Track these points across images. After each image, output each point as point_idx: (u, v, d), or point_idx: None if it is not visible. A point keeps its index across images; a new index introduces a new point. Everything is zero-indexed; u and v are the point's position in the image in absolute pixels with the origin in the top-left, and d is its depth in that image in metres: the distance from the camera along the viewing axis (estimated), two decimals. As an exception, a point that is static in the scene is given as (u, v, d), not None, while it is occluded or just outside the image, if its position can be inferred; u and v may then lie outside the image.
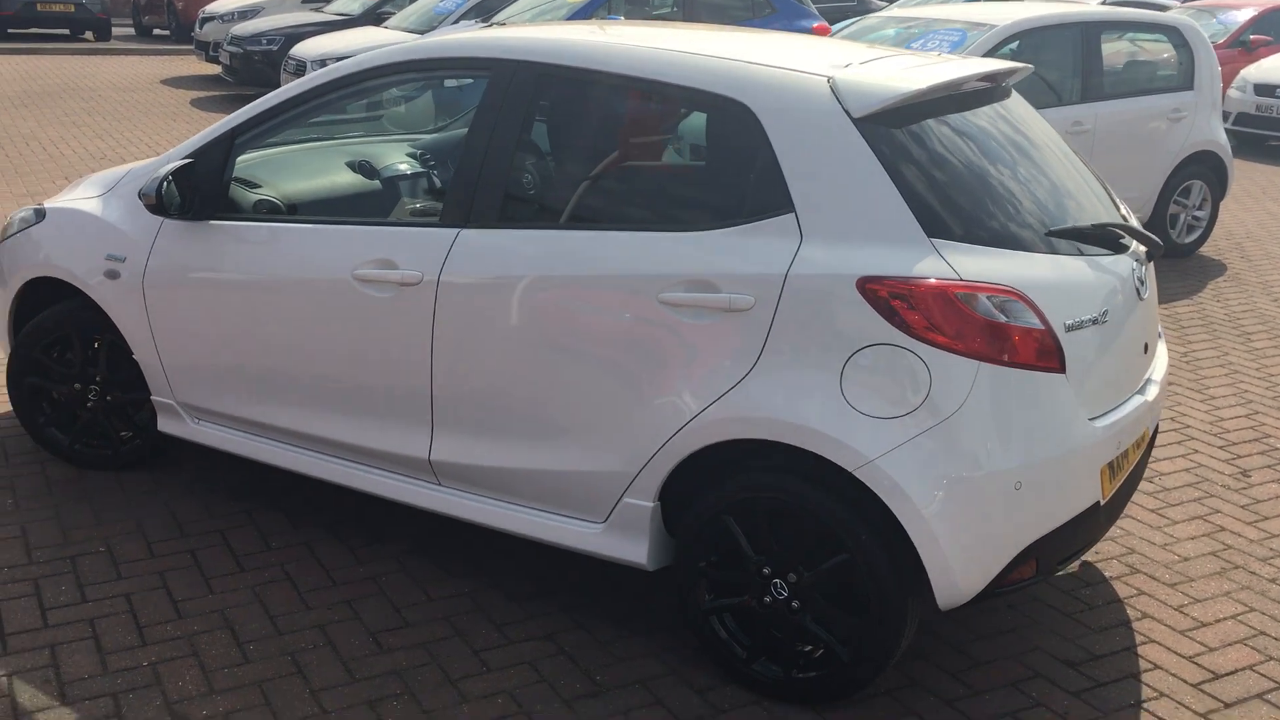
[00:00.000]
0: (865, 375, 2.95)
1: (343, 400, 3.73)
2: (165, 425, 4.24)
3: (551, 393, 3.36)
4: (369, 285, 3.58)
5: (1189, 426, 5.28)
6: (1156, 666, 3.42)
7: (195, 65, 17.84)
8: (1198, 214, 8.50)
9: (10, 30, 21.84)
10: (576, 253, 3.31)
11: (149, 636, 3.39)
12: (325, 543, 3.96)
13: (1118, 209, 3.66)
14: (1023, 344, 2.96)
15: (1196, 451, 5.00)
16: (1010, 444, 2.96)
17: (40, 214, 4.46)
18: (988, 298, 2.94)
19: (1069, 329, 3.07)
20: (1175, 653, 3.49)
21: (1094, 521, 3.21)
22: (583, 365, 3.29)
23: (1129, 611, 3.72)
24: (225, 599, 3.60)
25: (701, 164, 3.79)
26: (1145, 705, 3.24)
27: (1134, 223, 3.67)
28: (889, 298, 2.93)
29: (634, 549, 3.34)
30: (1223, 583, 3.92)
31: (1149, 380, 3.55)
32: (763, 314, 3.05)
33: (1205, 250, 8.68)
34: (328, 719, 3.06)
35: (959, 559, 2.93)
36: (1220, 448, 5.05)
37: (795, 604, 3.12)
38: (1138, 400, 3.40)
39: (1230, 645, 3.54)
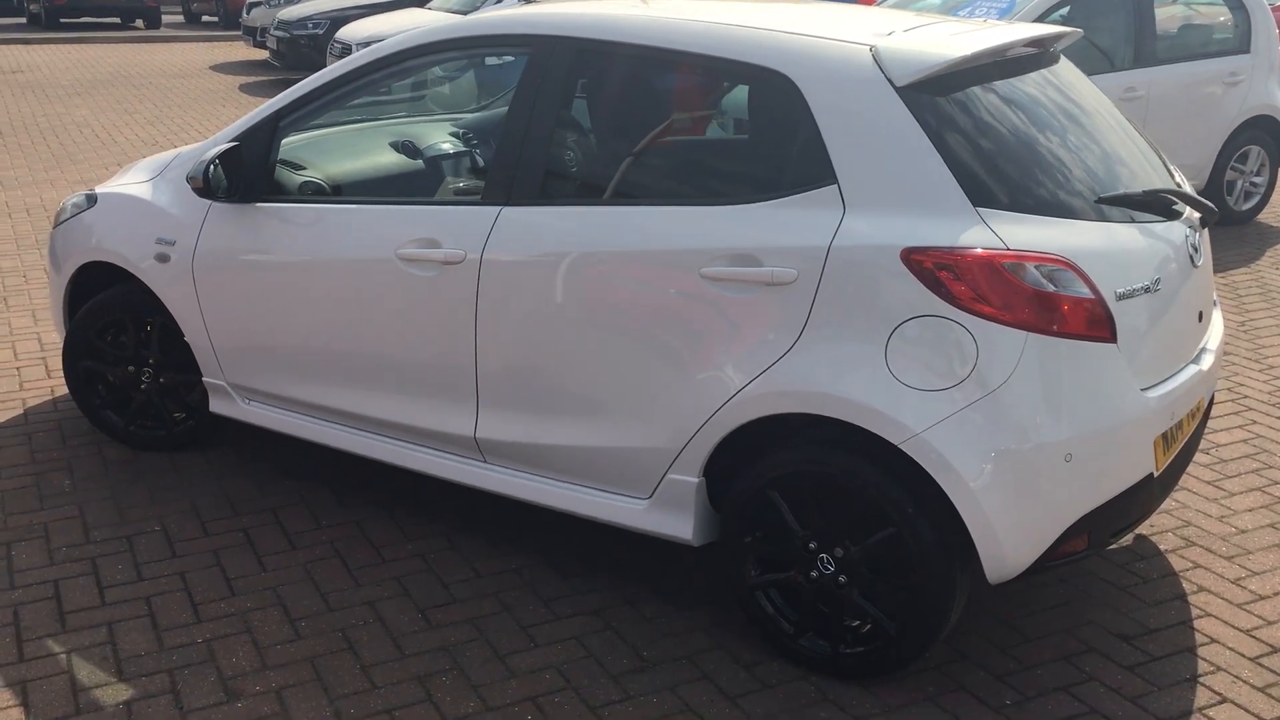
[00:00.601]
0: (911, 347, 2.91)
1: (389, 379, 3.76)
2: (217, 406, 4.29)
3: (594, 369, 3.35)
4: (413, 265, 3.59)
5: (1246, 396, 5.18)
6: (1213, 640, 3.37)
7: (243, 51, 18.01)
8: (1255, 180, 8.33)
9: (63, 20, 22.15)
10: (617, 228, 3.30)
11: (204, 614, 3.44)
12: (375, 520, 4.00)
13: (1171, 175, 3.58)
14: (1072, 314, 2.91)
15: (1254, 422, 4.91)
16: (1060, 416, 2.91)
17: (92, 199, 4.52)
18: (1036, 267, 2.89)
19: (1120, 298, 3.02)
20: (1232, 626, 3.43)
21: (1147, 494, 3.16)
22: (625, 341, 3.29)
23: (1184, 585, 3.66)
24: (277, 576, 3.64)
25: (743, 137, 3.76)
26: (1201, 679, 3.19)
27: (1188, 189, 3.59)
28: (934, 269, 2.89)
29: (679, 525, 3.34)
30: (1281, 555, 3.84)
31: (1204, 349, 3.48)
32: (806, 287, 3.02)
33: (1263, 217, 8.50)
34: (378, 694, 3.09)
35: (1008, 533, 2.90)
36: (1279, 417, 4.95)
37: (842, 579, 3.10)
38: (1192, 370, 3.34)
39: (1289, 618, 3.47)
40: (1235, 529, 4.01)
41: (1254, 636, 3.39)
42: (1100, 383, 2.98)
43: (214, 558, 3.75)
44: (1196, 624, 3.45)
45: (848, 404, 2.96)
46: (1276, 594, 3.61)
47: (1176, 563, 3.79)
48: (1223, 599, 3.58)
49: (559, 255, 3.37)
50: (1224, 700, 3.10)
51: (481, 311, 3.49)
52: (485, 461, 3.67)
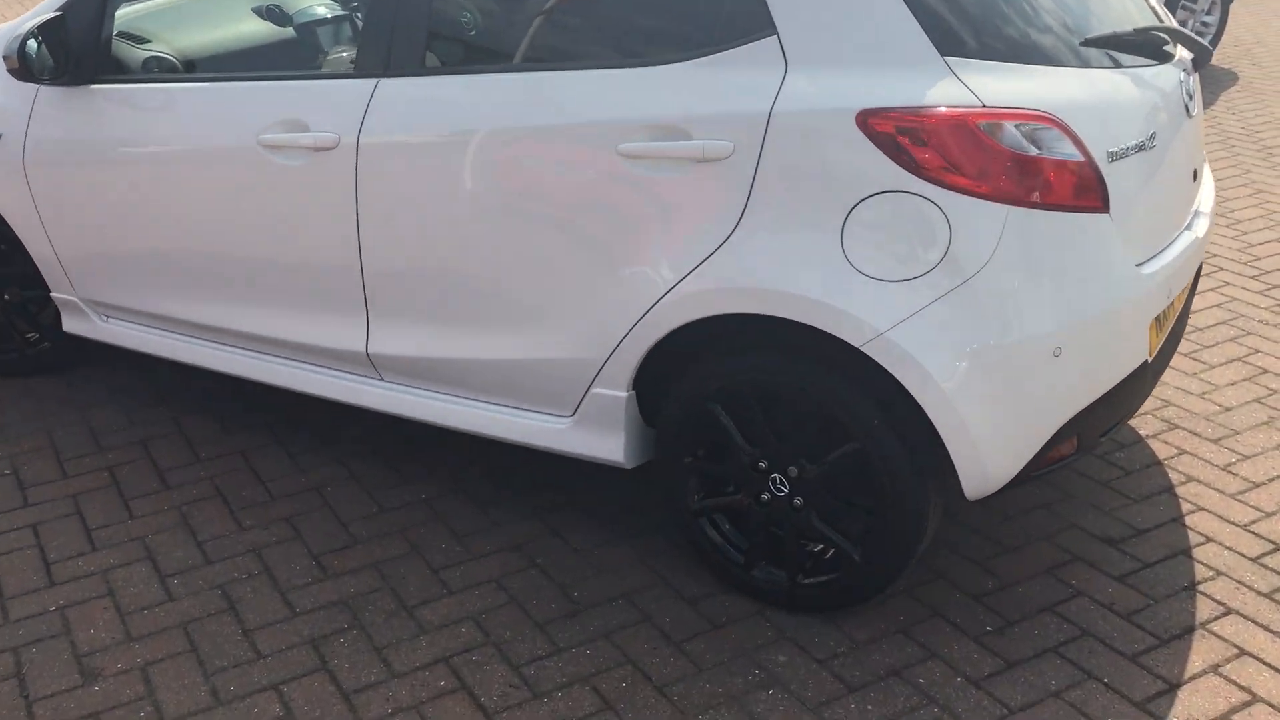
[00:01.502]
0: (871, 231, 2.44)
1: (265, 288, 3.22)
2: (71, 325, 3.73)
3: (498, 269, 2.84)
4: (278, 153, 3.02)
5: (1217, 256, 4.80)
6: (1209, 539, 3.01)
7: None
8: (1206, 19, 7.85)
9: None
10: (516, 100, 2.76)
11: (57, 575, 2.95)
12: (262, 450, 3.50)
13: (1154, 12, 3.09)
14: (1058, 180, 2.45)
15: (1227, 284, 4.53)
16: (1046, 303, 2.47)
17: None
18: (1015, 126, 2.41)
19: (1112, 158, 2.55)
20: (1229, 521, 3.08)
21: (1141, 384, 2.75)
22: (533, 235, 2.77)
23: (1172, 475, 3.30)
24: (147, 524, 3.15)
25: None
26: (1201, 588, 2.84)
27: (1174, 24, 3.10)
28: (895, 133, 2.40)
29: (608, 445, 2.88)
30: (1272, 434, 3.49)
31: (1197, 212, 3.05)
32: (744, 163, 2.52)
33: (1215, 59, 8.06)
34: (263, 665, 2.64)
35: (989, 442, 2.48)
36: (1253, 278, 4.58)
37: (797, 501, 2.68)
38: (1187, 238, 2.91)
39: (1289, 509, 3.13)
40: (1219, 406, 3.65)
41: (1252, 532, 3.04)
42: (1091, 261, 2.53)
43: (72, 504, 3.24)
44: (1189, 520, 3.10)
45: (798, 301, 2.49)
46: (1271, 479, 3.26)
47: (1160, 449, 3.43)
48: (1214, 489, 3.22)
49: (447, 134, 2.82)
50: (1228, 612, 2.75)
51: (363, 206, 2.95)
52: (382, 379, 3.18)
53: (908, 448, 2.53)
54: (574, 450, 2.94)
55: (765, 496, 2.72)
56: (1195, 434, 3.50)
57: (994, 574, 2.91)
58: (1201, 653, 2.62)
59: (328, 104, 2.97)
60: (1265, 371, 3.86)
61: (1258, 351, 4.00)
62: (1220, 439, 3.47)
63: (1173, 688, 2.52)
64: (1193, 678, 2.55)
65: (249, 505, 3.23)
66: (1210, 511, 3.13)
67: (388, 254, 2.97)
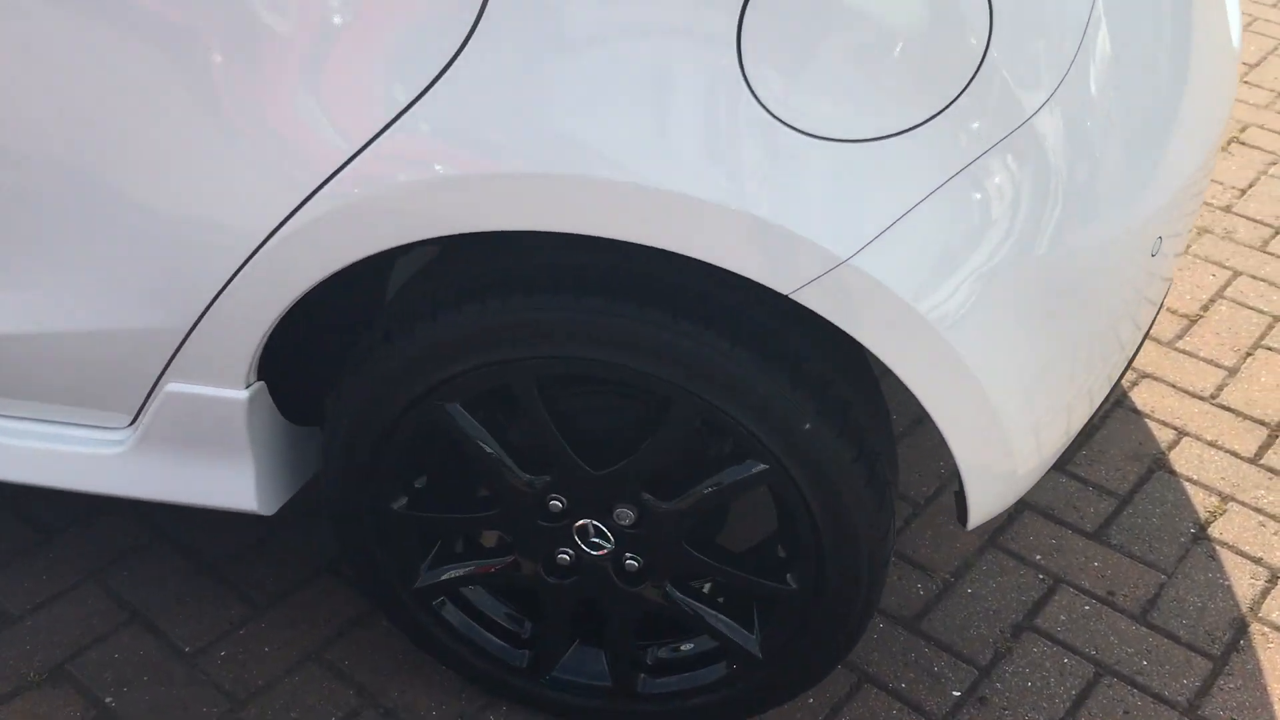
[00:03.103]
0: (807, 24, 1.04)
1: None
2: None
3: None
4: None
5: None
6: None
7: None
8: None
9: None
10: None
11: None
12: None
13: None
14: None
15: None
16: (1150, 158, 1.21)
17: None
18: None
19: None
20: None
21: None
22: (41, 117, 1.17)
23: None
24: None
25: None
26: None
27: None
28: None
29: (213, 479, 1.42)
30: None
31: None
32: None
33: None
34: None
35: (1026, 414, 1.24)
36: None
37: (631, 563, 1.36)
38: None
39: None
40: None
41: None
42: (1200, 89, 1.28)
43: None
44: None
45: (628, 198, 1.08)
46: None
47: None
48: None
49: None
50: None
51: None
52: None
53: (864, 460, 1.25)
54: (135, 491, 1.45)
55: (565, 558, 1.38)
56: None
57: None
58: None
59: None
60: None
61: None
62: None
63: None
64: None
65: None
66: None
67: None
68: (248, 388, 1.34)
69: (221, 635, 1.63)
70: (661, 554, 1.35)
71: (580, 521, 1.35)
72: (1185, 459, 1.94)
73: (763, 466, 1.24)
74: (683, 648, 1.45)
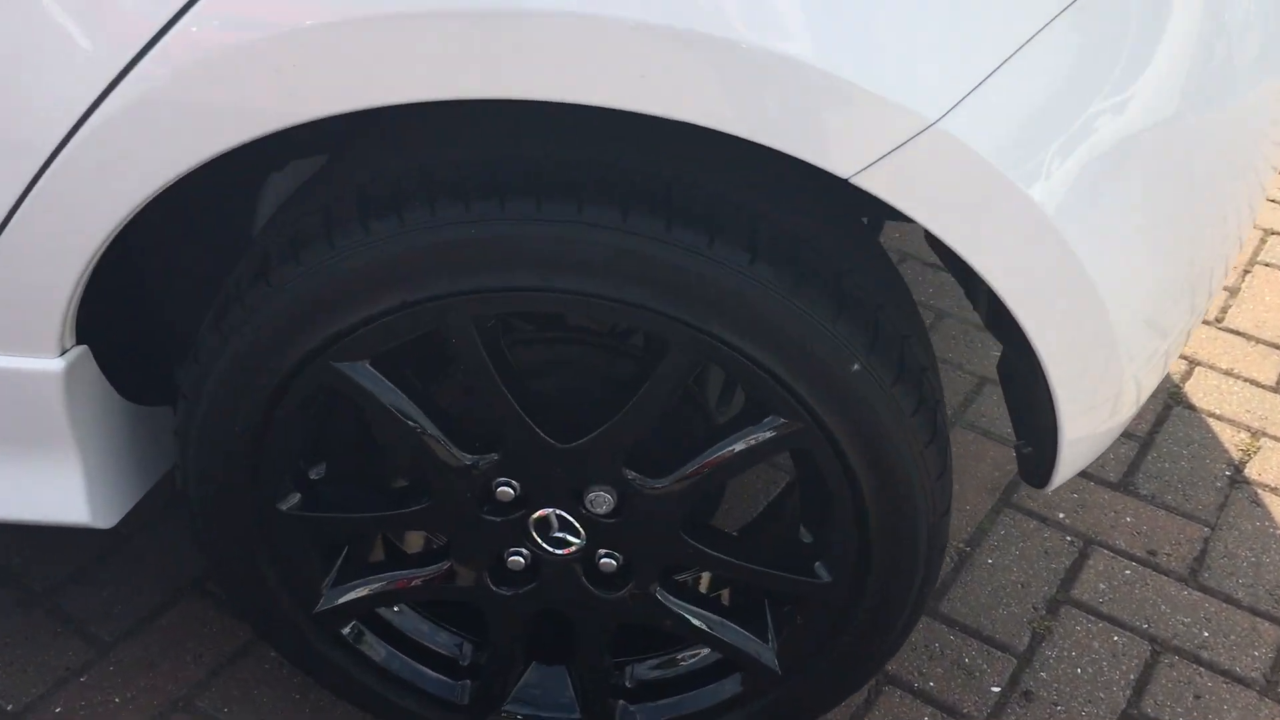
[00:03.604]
0: None
1: None
2: None
3: None
4: None
5: None
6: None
7: None
8: None
9: None
10: None
11: None
12: None
13: None
14: None
15: None
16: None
17: None
18: None
19: None
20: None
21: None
22: None
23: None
24: None
25: None
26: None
27: None
28: None
29: (19, 485, 1.05)
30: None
31: None
32: None
33: None
34: None
35: (1146, 344, 0.94)
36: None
37: (606, 562, 1.02)
38: None
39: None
40: None
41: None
42: None
43: None
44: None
45: (641, 43, 0.74)
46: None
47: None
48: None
49: None
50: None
51: None
52: None
53: (926, 410, 0.93)
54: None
55: (518, 561, 1.03)
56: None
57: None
58: None
59: None
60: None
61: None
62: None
63: None
64: None
65: None
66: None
67: None
68: (63, 354, 0.96)
69: (56, 685, 1.24)
70: (649, 549, 1.02)
71: (539, 513, 1.01)
72: (1203, 391, 1.69)
73: (791, 424, 0.92)
74: (680, 659, 1.12)
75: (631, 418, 0.93)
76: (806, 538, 1.03)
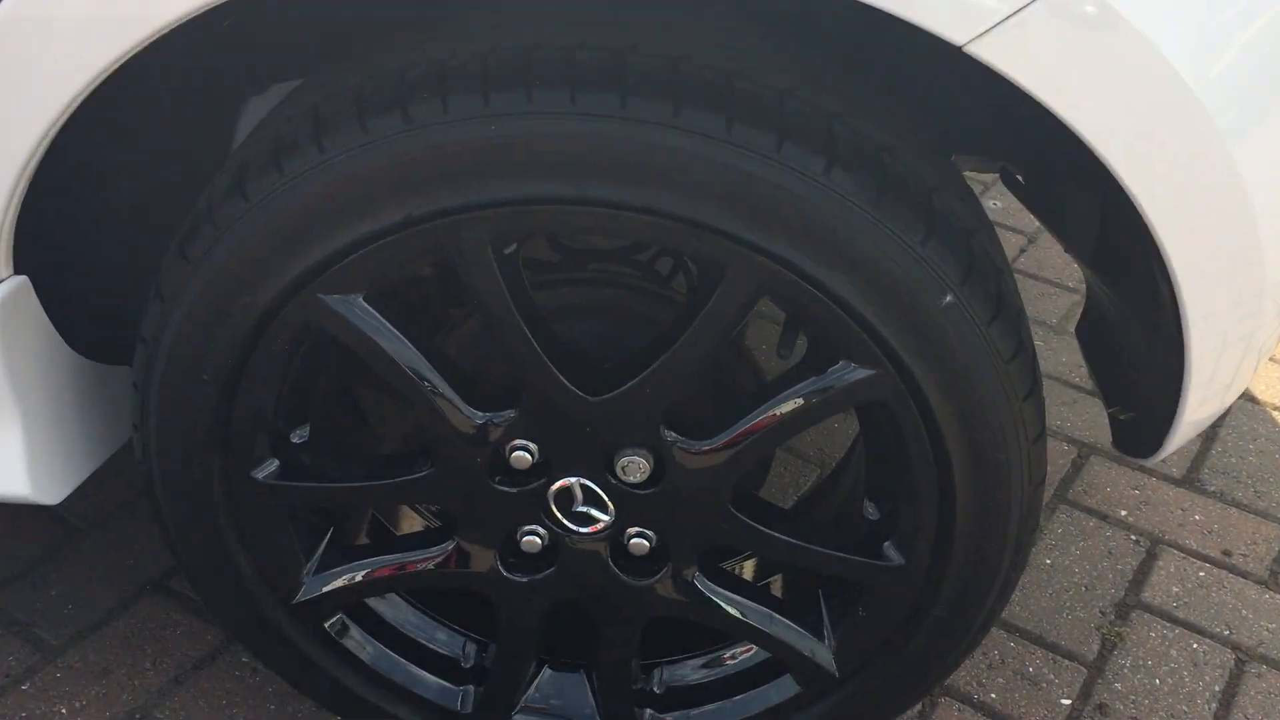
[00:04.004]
0: None
1: None
2: None
3: None
4: None
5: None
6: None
7: None
8: None
9: None
10: None
11: None
12: None
13: None
14: None
15: None
16: None
17: None
18: None
19: None
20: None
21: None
22: None
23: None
24: None
25: None
26: None
27: None
28: None
29: None
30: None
31: None
32: None
33: None
34: None
35: None
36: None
37: (637, 541, 0.87)
38: None
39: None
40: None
41: None
42: None
43: None
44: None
45: None
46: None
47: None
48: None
49: None
50: None
51: None
52: None
53: (1024, 356, 0.79)
54: None
55: (534, 541, 0.88)
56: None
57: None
58: None
59: None
60: None
61: None
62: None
63: None
64: None
65: None
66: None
67: None
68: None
69: (-6, 695, 1.08)
70: (690, 526, 0.87)
71: (561, 482, 0.86)
72: (1266, 383, 1.56)
73: (865, 372, 0.77)
74: (721, 660, 0.97)
75: (676, 362, 0.79)
76: (872, 513, 0.88)
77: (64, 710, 1.07)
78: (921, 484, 0.81)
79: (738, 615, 0.91)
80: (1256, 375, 1.55)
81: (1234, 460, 1.43)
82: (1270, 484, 1.40)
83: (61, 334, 0.89)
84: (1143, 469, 1.41)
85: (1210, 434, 1.47)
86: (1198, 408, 0.81)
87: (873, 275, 0.73)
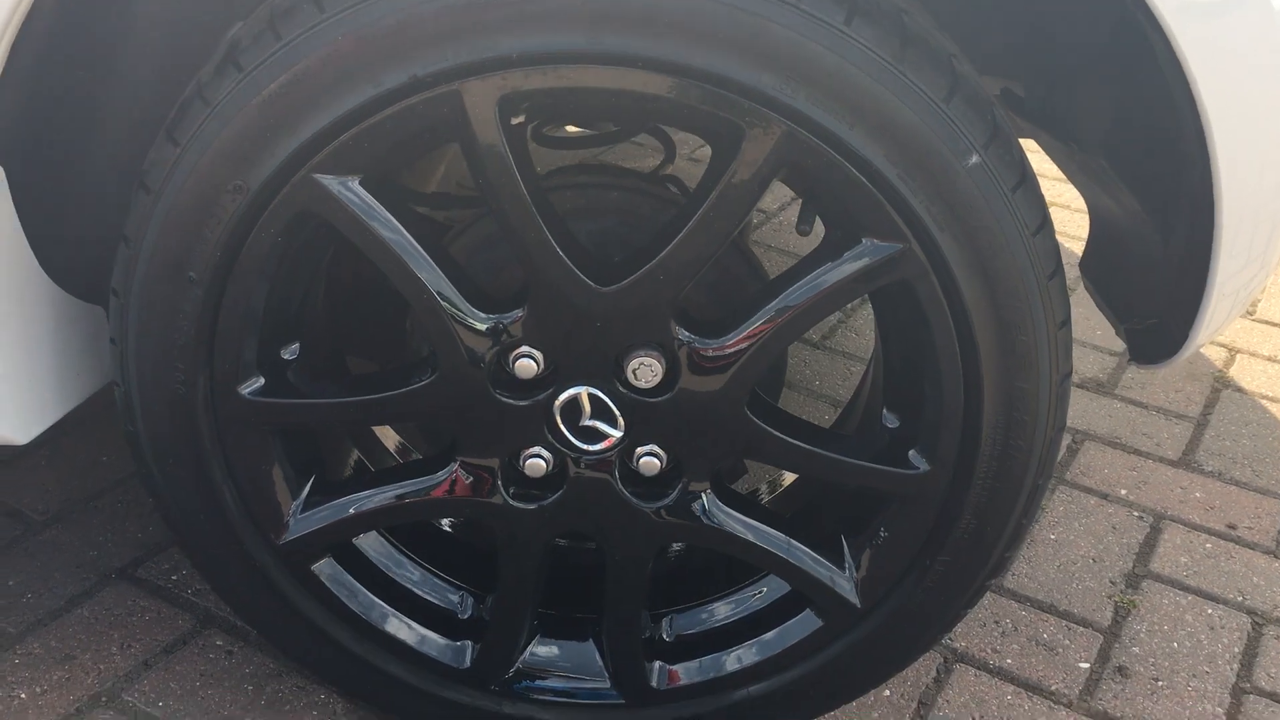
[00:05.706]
0: None
1: None
2: None
3: None
4: None
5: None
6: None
7: None
8: None
9: None
10: None
11: None
12: None
13: None
14: None
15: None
16: None
17: None
18: None
19: None
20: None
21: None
22: None
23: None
24: None
25: None
26: None
27: None
28: None
29: None
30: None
31: None
32: None
33: None
34: None
35: None
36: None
37: (647, 460, 0.83)
38: None
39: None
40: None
41: (1274, 336, 1.67)
42: None
43: None
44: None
45: None
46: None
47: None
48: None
49: None
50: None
51: None
52: None
53: (1047, 232, 0.77)
54: None
55: (538, 463, 0.83)
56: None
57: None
58: None
59: None
60: None
61: None
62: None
63: None
64: None
65: None
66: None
67: None
68: (-23, 185, 0.77)
69: (-55, 684, 1.00)
70: (705, 436, 0.82)
71: (568, 392, 0.82)
72: (1251, 376, 1.55)
73: (890, 248, 0.75)
74: (733, 600, 0.92)
75: (691, 245, 0.76)
76: (890, 421, 0.84)
77: (23, 695, 0.99)
78: (946, 374, 0.78)
79: (753, 541, 0.86)
80: (1242, 368, 1.55)
81: (1228, 444, 1.41)
82: (1267, 464, 1.38)
83: (40, 262, 0.84)
84: (1135, 451, 1.38)
85: (1201, 421, 1.45)
86: (1227, 281, 0.79)
87: (896, 131, 0.71)
